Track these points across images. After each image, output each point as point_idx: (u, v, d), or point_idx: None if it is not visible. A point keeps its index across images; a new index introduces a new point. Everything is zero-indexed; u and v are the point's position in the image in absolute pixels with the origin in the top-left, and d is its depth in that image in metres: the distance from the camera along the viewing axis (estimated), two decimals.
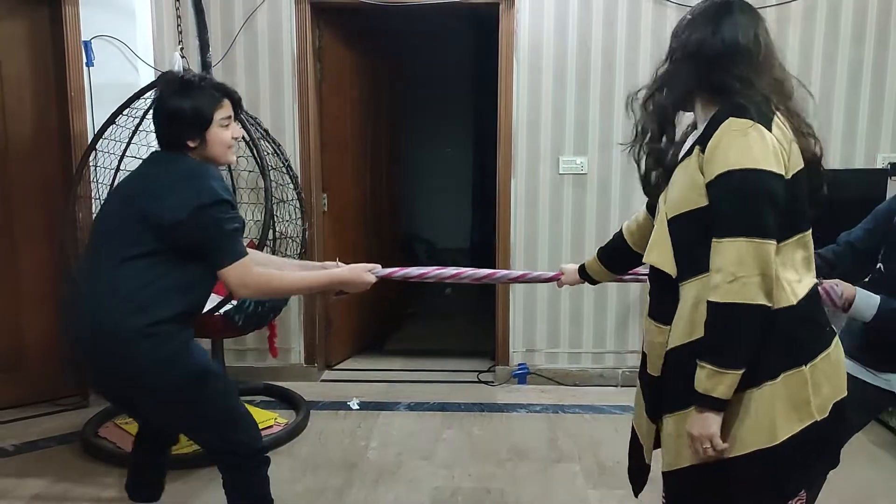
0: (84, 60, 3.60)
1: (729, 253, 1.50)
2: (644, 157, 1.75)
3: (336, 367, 4.45)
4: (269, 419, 3.52)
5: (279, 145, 3.67)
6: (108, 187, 3.59)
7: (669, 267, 1.63)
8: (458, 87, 7.29)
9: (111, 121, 3.41)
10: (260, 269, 2.15)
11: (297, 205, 3.71)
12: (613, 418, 3.70)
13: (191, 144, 2.13)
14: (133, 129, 3.55)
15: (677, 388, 1.63)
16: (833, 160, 3.92)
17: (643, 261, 1.77)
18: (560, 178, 4.01)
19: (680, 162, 1.66)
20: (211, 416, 2.20)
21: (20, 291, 3.69)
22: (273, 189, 3.33)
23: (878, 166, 3.92)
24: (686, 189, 1.60)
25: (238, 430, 2.22)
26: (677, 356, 1.63)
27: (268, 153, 3.46)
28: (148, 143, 3.71)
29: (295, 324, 4.16)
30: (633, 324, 4.10)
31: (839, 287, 2.10)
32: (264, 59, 3.96)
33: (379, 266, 2.37)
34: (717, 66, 1.60)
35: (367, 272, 2.29)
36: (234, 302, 3.20)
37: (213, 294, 3.44)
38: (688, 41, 1.65)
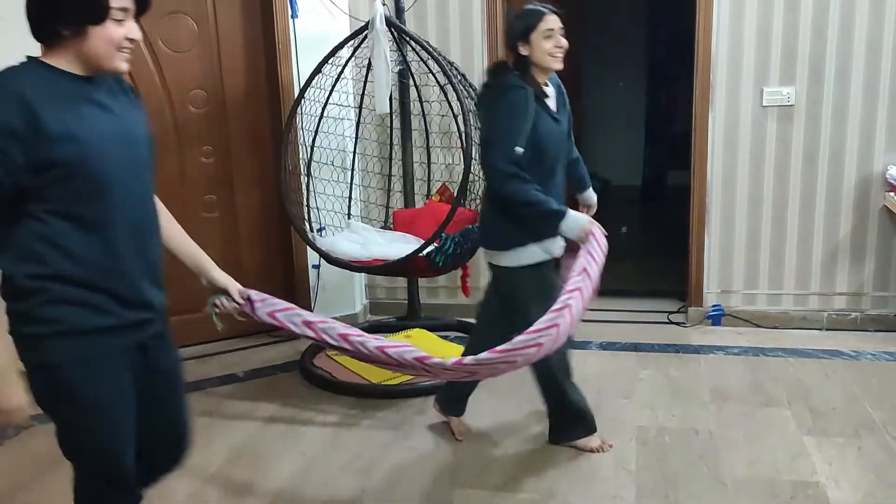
0: (289, 13, 3.77)
1: None
2: None
3: None
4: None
5: (475, 89, 3.70)
6: (313, 133, 3.81)
7: None
8: (631, 16, 7.01)
9: (318, 70, 3.57)
10: None
11: None
12: (822, 363, 3.53)
13: (65, 33, 1.56)
14: (336, 76, 3.71)
15: None
16: None
17: None
18: (763, 111, 3.77)
19: None
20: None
21: (238, 232, 4.02)
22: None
23: None
24: None
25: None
26: None
27: (465, 97, 3.50)
28: (348, 90, 3.88)
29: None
30: (842, 263, 3.85)
31: None
32: (454, 1, 3.97)
33: None
34: None
35: None
36: (436, 244, 3.32)
37: (413, 237, 3.63)
38: None
